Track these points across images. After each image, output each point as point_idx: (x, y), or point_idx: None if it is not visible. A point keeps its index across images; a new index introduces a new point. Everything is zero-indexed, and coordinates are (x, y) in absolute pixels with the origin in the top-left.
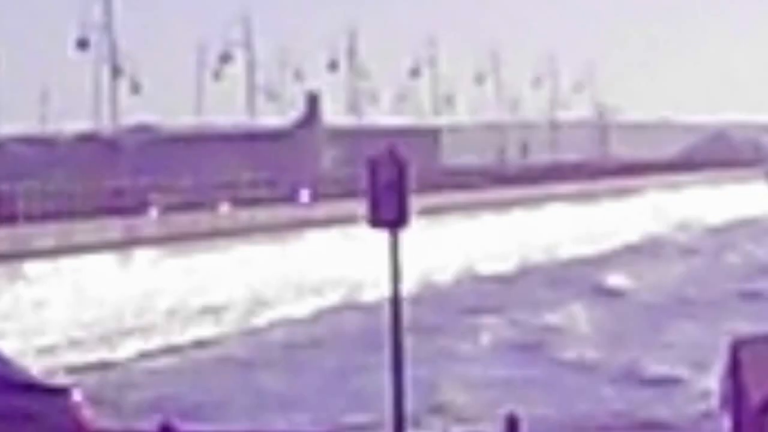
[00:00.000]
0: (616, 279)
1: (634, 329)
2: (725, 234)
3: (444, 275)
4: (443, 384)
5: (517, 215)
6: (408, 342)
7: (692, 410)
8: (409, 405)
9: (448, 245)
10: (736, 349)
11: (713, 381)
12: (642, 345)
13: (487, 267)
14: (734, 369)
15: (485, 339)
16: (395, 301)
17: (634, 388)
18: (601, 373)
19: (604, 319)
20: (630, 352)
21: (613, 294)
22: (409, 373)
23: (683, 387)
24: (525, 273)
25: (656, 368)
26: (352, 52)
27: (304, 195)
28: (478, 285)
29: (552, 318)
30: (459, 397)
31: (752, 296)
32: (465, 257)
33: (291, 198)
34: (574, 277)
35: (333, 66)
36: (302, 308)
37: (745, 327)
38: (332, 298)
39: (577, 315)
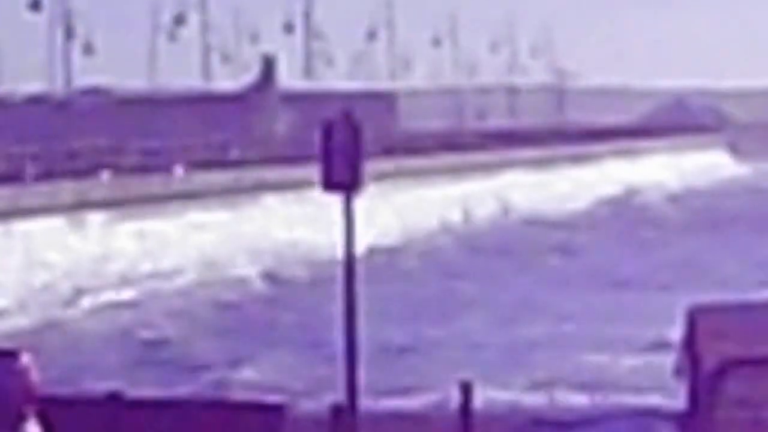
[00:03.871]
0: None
1: None
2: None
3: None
4: None
5: (474, 181)
6: None
7: None
8: None
9: (402, 210)
10: (693, 317)
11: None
12: None
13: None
14: (690, 337)
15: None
16: (348, 264)
17: None
18: None
19: None
20: None
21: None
22: None
23: None
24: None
25: None
26: (307, 15)
27: (178, 170)
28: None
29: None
30: None
31: None
32: (420, 222)
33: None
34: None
35: (288, 28)
36: (254, 271)
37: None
38: (285, 261)
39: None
